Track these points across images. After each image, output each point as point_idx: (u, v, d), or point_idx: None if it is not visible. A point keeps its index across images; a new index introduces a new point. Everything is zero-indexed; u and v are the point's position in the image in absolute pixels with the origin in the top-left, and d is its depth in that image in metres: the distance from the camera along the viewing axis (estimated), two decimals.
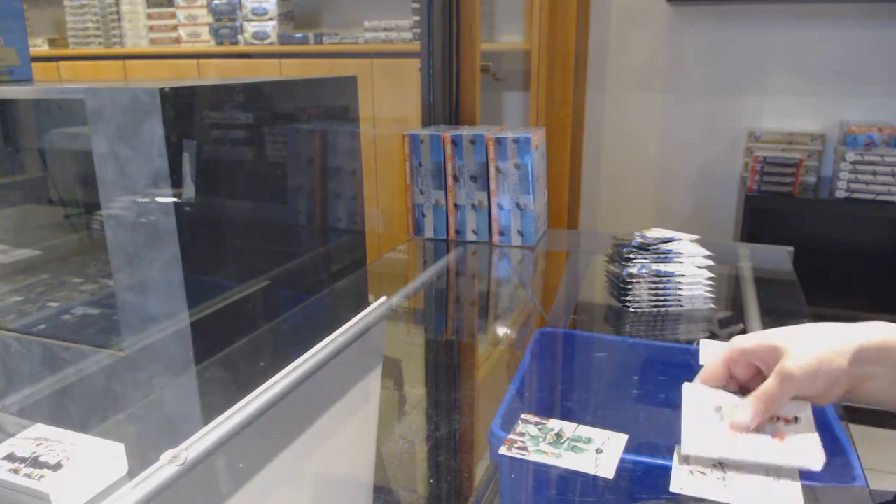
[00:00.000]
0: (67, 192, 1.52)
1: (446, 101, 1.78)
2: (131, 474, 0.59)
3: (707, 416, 0.64)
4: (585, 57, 2.87)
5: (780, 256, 1.44)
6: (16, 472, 0.56)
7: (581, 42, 2.76)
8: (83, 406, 0.99)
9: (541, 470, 0.67)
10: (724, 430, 0.62)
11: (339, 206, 1.41)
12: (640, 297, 1.15)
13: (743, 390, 0.67)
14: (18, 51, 1.41)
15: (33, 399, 0.95)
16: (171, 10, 3.32)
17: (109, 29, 3.50)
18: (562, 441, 0.67)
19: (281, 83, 1.21)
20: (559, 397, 1.02)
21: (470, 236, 1.55)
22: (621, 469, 0.64)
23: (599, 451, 0.66)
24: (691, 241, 1.19)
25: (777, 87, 2.66)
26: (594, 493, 0.68)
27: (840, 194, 2.34)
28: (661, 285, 1.15)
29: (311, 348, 0.72)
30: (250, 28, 3.16)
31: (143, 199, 0.94)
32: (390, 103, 2.79)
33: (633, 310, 1.15)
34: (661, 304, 1.15)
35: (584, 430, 0.69)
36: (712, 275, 1.16)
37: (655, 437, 0.91)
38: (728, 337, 0.94)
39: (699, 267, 1.16)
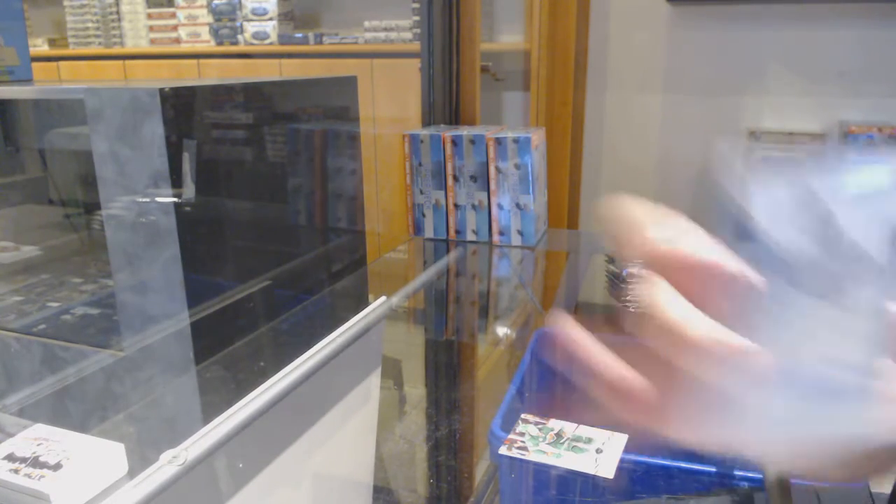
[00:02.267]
0: (67, 192, 1.52)
1: (446, 101, 1.78)
2: (131, 474, 0.59)
3: None
4: (585, 57, 2.87)
5: None
6: (16, 472, 0.56)
7: (581, 42, 2.75)
8: (83, 406, 0.99)
9: (541, 470, 0.67)
10: None
11: (338, 206, 1.41)
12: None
13: None
14: (18, 51, 1.41)
15: (33, 399, 0.95)
16: (171, 10, 3.32)
17: (109, 29, 3.50)
18: (562, 441, 0.67)
19: (281, 83, 1.21)
20: (559, 397, 1.02)
21: (470, 236, 1.55)
22: (621, 469, 0.64)
23: (599, 451, 0.66)
24: None
25: (777, 87, 2.66)
26: (594, 493, 0.68)
27: None
28: None
29: (310, 348, 0.72)
30: (250, 28, 3.16)
31: (143, 199, 0.94)
32: (390, 103, 2.79)
33: (633, 310, 1.15)
34: None
35: (584, 430, 0.69)
36: None
37: (655, 437, 0.91)
38: None
39: None
